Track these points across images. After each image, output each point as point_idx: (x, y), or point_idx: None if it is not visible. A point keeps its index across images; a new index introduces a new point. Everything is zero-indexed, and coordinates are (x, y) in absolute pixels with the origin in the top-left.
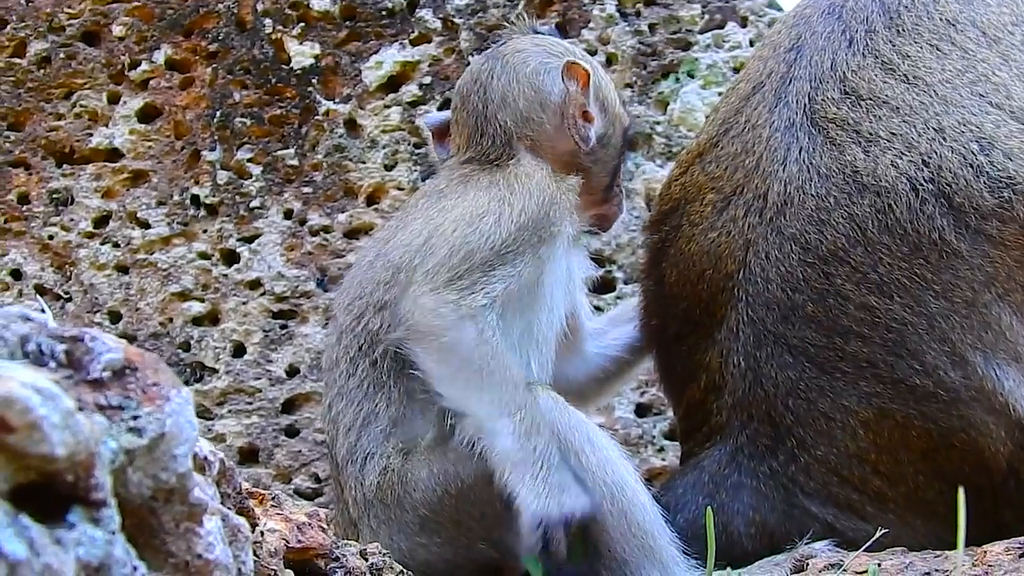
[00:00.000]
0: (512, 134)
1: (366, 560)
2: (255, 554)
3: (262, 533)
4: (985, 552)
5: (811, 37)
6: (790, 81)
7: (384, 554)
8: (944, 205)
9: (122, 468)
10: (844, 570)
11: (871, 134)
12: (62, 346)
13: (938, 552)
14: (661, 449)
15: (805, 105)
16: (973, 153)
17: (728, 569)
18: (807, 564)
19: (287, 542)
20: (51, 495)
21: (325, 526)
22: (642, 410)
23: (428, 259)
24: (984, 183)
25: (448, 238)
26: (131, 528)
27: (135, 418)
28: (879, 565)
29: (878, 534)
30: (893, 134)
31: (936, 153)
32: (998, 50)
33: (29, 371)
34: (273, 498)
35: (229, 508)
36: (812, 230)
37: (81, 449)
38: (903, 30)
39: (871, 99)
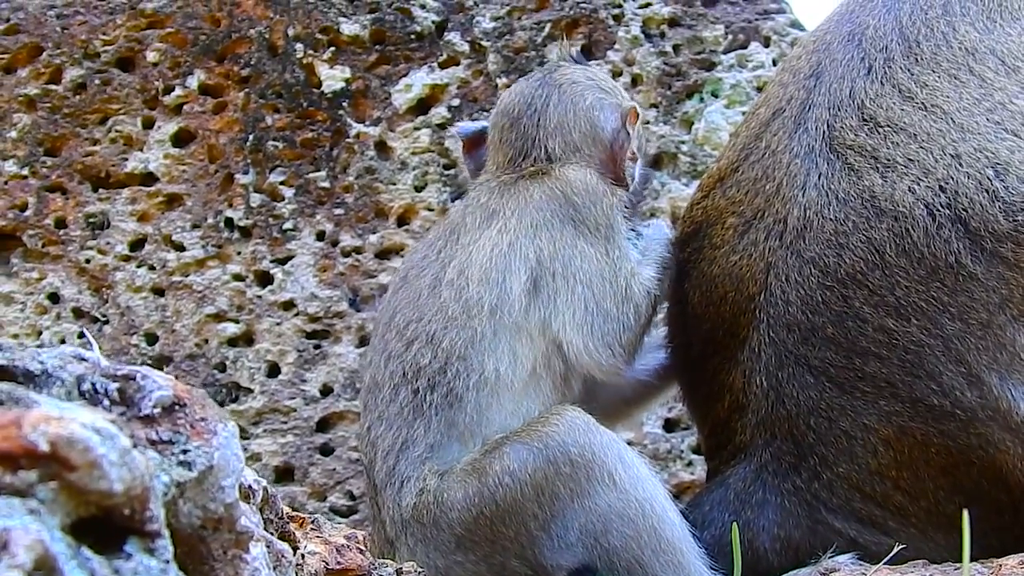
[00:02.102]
0: (556, 160)
1: None
2: None
3: (303, 556)
4: (1000, 565)
5: (831, 64)
6: (809, 108)
7: (420, 572)
8: (960, 229)
9: (174, 500)
10: None
11: (889, 160)
12: (115, 385)
13: (957, 564)
14: (689, 463)
15: (824, 132)
16: (989, 179)
17: None
18: None
19: (327, 564)
20: (109, 527)
21: (363, 547)
22: (670, 425)
23: (563, 311)
24: (999, 208)
25: (572, 285)
26: (182, 556)
27: (185, 452)
28: None
29: (896, 548)
30: (910, 160)
31: (952, 179)
32: (1016, 79)
33: (88, 412)
34: (313, 521)
35: (272, 533)
36: (831, 254)
37: (137, 484)
38: (921, 59)
39: (889, 126)
